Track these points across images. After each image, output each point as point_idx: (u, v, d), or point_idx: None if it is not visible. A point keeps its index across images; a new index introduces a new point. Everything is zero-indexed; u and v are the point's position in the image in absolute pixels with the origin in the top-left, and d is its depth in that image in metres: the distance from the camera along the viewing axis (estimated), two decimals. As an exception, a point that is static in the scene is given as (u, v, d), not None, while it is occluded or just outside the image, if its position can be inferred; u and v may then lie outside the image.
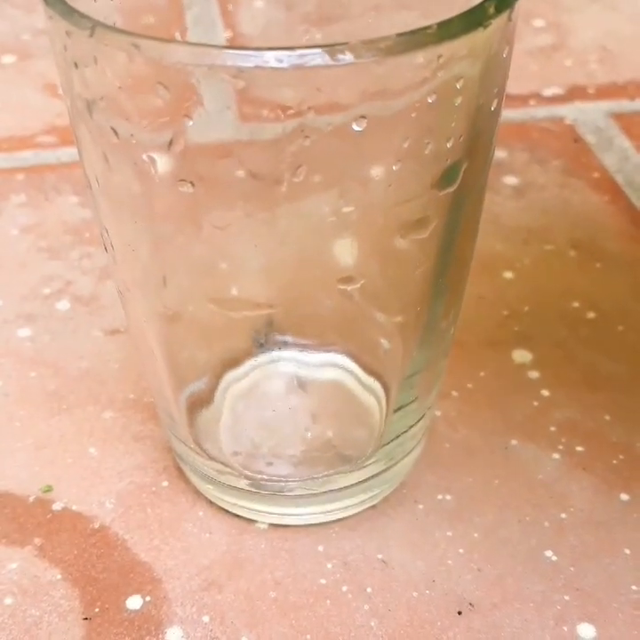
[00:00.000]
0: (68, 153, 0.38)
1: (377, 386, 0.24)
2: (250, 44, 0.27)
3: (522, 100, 0.40)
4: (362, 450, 0.23)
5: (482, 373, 0.28)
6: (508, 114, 0.39)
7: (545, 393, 0.27)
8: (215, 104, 0.17)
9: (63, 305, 0.31)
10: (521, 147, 0.38)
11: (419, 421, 0.24)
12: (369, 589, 0.23)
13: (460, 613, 0.22)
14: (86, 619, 0.22)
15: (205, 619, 0.22)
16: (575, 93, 0.41)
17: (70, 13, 0.17)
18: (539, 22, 0.46)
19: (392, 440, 0.23)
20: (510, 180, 0.36)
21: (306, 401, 0.25)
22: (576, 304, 0.30)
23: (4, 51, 0.44)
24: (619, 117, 0.39)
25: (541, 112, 0.40)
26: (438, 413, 0.26)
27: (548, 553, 0.23)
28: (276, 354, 0.23)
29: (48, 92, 0.41)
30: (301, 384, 0.24)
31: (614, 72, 0.42)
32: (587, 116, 0.39)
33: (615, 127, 0.38)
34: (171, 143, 0.18)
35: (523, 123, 0.39)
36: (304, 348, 0.23)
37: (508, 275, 0.32)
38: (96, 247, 0.33)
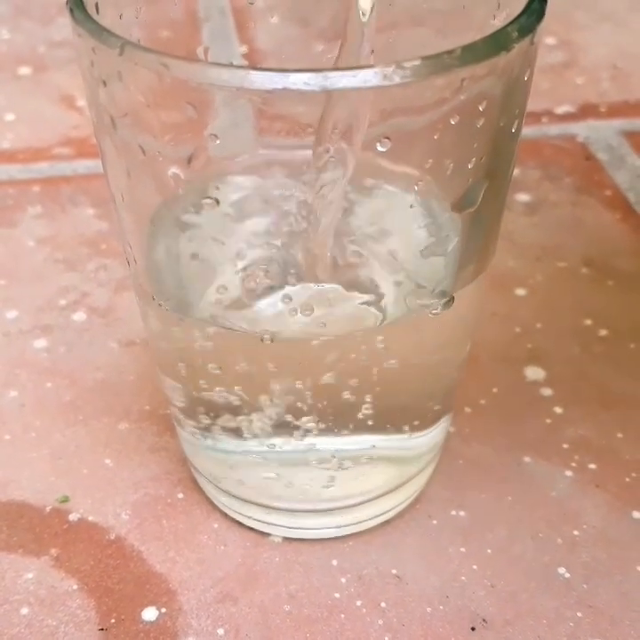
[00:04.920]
0: (83, 165, 0.38)
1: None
2: (266, 60, 0.27)
3: (534, 117, 0.41)
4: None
5: (495, 390, 0.28)
6: (521, 131, 0.39)
7: (558, 410, 0.28)
8: (238, 122, 0.18)
9: (79, 316, 0.31)
10: (533, 164, 0.38)
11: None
12: (383, 604, 0.23)
13: (473, 629, 0.22)
14: (102, 629, 0.22)
15: (220, 631, 0.22)
16: (587, 111, 0.41)
17: (99, 32, 0.17)
18: (550, 40, 0.46)
19: None
20: (523, 197, 0.36)
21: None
22: (588, 321, 0.31)
23: (21, 63, 0.45)
24: (630, 135, 0.39)
25: (553, 130, 0.40)
26: (452, 429, 0.27)
27: (561, 570, 0.23)
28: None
29: (64, 104, 0.42)
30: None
31: (626, 90, 0.43)
32: (599, 133, 0.40)
33: (627, 145, 0.39)
34: (194, 160, 0.18)
35: (535, 140, 0.39)
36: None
37: (521, 291, 0.32)
38: (112, 259, 0.33)
